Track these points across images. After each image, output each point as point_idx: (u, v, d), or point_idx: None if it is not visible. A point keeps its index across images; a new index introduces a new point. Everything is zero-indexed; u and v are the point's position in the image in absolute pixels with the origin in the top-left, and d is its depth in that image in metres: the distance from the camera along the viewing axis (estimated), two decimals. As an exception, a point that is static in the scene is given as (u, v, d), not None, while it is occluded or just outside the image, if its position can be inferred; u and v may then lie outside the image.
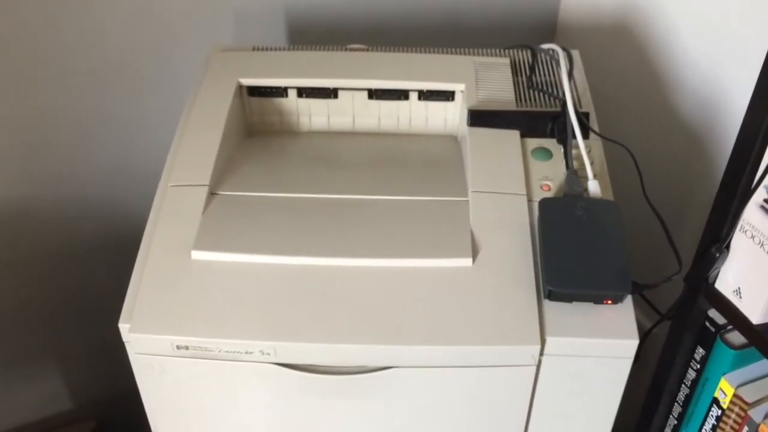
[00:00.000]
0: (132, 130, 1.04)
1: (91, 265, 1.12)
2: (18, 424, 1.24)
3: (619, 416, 0.85)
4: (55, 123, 0.99)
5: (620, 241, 0.65)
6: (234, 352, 0.63)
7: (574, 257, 0.64)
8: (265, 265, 0.67)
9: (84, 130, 1.01)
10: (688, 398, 0.78)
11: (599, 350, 0.64)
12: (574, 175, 0.72)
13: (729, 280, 0.66)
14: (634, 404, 0.86)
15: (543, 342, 0.62)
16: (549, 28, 1.20)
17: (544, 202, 0.69)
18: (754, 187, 0.61)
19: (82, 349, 1.21)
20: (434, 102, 0.83)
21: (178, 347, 0.63)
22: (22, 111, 0.97)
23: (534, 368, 0.64)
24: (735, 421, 0.72)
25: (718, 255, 0.65)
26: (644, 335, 0.82)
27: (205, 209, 0.70)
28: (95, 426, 1.25)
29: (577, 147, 0.74)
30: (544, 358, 0.64)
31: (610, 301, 0.64)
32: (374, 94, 0.83)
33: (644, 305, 0.87)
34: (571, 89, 0.78)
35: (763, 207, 0.61)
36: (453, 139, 0.84)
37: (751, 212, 0.62)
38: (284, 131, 0.85)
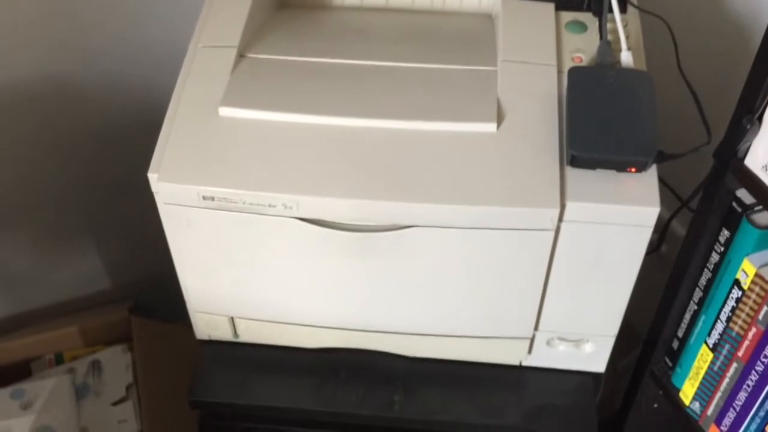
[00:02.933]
0: (165, 8, 1.04)
1: (128, 143, 1.14)
2: (58, 300, 1.29)
3: (638, 319, 0.85)
4: (90, 1, 0.99)
5: (650, 110, 0.64)
6: (257, 204, 0.65)
7: (600, 124, 0.64)
8: (291, 123, 0.67)
9: (119, 8, 1.01)
10: (710, 282, 0.77)
11: (619, 217, 0.63)
12: (607, 45, 0.70)
13: (759, 155, 0.65)
14: (653, 308, 0.86)
15: (563, 207, 0.63)
16: None
17: (573, 70, 0.68)
18: (792, 53, 0.59)
19: (120, 230, 1.25)
20: (470, -23, 0.81)
21: (204, 198, 0.65)
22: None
23: (552, 233, 0.64)
24: (755, 302, 0.71)
25: (749, 126, 0.63)
26: (665, 225, 0.82)
27: (233, 69, 0.71)
28: (132, 305, 1.30)
29: (614, 20, 0.72)
30: (563, 225, 0.64)
31: (634, 169, 0.63)
32: (409, -34, 0.81)
33: (667, 197, 0.86)
34: (611, -40, 0.76)
35: (800, 76, 0.59)
36: (488, 17, 0.82)
37: (787, 81, 0.60)
38: (316, 5, 0.84)
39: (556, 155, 0.65)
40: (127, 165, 1.16)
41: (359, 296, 0.72)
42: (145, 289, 1.32)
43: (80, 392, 1.08)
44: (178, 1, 1.04)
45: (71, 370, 1.11)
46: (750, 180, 0.66)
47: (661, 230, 0.85)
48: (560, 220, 0.64)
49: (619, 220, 0.64)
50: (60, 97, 1.06)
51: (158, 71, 1.08)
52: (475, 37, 0.78)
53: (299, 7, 0.84)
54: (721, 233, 0.74)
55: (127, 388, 1.08)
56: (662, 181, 0.73)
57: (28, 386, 1.05)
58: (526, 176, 0.64)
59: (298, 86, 0.70)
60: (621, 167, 0.63)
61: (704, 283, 0.78)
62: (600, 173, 0.64)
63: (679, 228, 0.89)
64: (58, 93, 1.06)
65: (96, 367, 1.13)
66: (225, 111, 0.68)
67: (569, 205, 0.63)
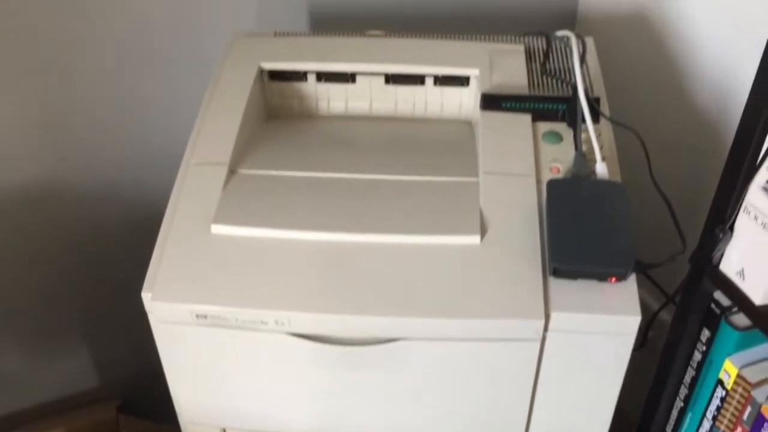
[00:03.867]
0: (155, 113, 1.07)
1: (118, 244, 1.16)
2: (45, 400, 1.28)
3: (629, 402, 0.86)
4: (79, 106, 1.03)
5: (626, 220, 0.67)
6: (250, 321, 0.66)
7: (580, 235, 0.66)
8: (281, 239, 0.69)
9: (109, 113, 1.05)
10: (694, 380, 0.79)
11: (602, 326, 0.65)
12: (583, 157, 0.73)
13: (733, 261, 0.67)
14: (643, 391, 0.88)
15: (547, 317, 0.64)
16: (569, 17, 1.21)
17: (551, 183, 0.70)
18: (756, 168, 0.62)
19: (108, 328, 1.25)
20: (449, 87, 0.85)
21: (197, 316, 0.66)
22: (47, 95, 1.00)
23: (538, 343, 0.66)
24: (738, 402, 0.73)
25: (721, 236, 0.66)
26: (651, 317, 0.84)
27: (224, 186, 0.73)
28: (120, 404, 1.29)
29: (587, 131, 0.76)
30: (549, 334, 0.66)
31: (614, 279, 0.65)
32: (391, 79, 0.85)
33: (653, 289, 0.88)
34: (583, 74, 0.80)
35: (765, 189, 0.62)
36: (467, 124, 0.86)
37: (753, 194, 0.63)
38: (303, 115, 0.88)
39: (539, 265, 0.67)
40: (115, 265, 1.18)
41: (349, 406, 0.73)
42: (133, 388, 1.31)
43: (67, 499, 1.06)
44: (172, 109, 1.08)
45: (57, 475, 1.09)
46: (725, 284, 0.69)
47: (648, 321, 0.86)
48: (545, 329, 0.65)
49: (602, 329, 0.65)
50: (49, 200, 1.08)
51: (149, 175, 1.11)
52: (456, 146, 0.81)
53: (286, 117, 0.88)
54: (702, 333, 0.76)
55: (115, 492, 1.07)
56: (647, 275, 0.75)
57: (13, 494, 1.03)
58: (510, 288, 0.66)
59: (288, 202, 0.72)
60: (602, 277, 0.65)
61: (689, 381, 0.80)
62: (582, 283, 0.66)
63: (667, 317, 0.91)
64: (48, 197, 1.08)
65: (83, 469, 1.11)
66: (217, 228, 0.70)
67: (554, 315, 0.64)
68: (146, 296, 0.67)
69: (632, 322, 0.65)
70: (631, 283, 0.66)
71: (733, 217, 0.66)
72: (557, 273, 0.65)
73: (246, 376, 0.72)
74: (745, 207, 0.65)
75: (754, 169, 0.63)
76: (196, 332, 0.68)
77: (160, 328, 0.69)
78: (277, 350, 0.69)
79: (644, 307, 0.66)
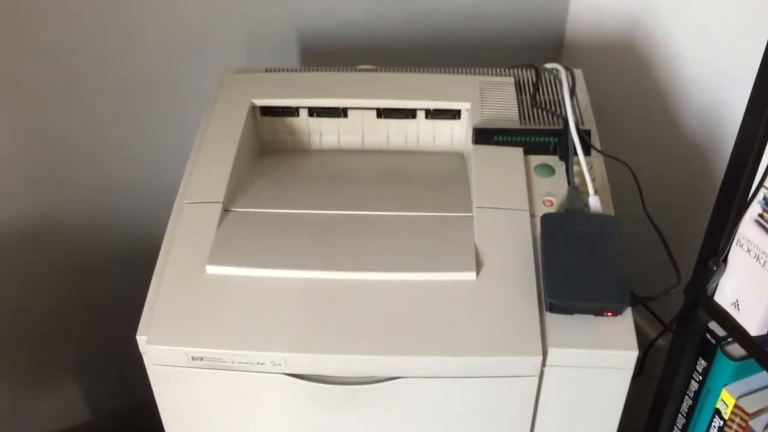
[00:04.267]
0: (149, 149, 1.07)
1: (110, 278, 1.15)
2: (37, 435, 1.26)
3: (627, 429, 0.87)
4: (74, 142, 1.03)
5: (619, 254, 0.67)
6: (246, 363, 0.66)
7: (575, 270, 0.66)
8: (277, 278, 0.69)
9: (103, 149, 1.05)
10: (692, 409, 0.79)
11: (600, 361, 0.65)
12: (576, 190, 0.74)
13: (727, 292, 0.68)
14: (641, 418, 0.88)
15: (545, 353, 0.64)
16: (556, 48, 1.22)
17: (545, 217, 0.71)
18: (748, 202, 0.63)
19: (100, 361, 1.24)
20: (441, 120, 0.86)
21: (193, 358, 0.66)
22: (44, 131, 1.00)
23: (536, 379, 0.66)
24: (736, 432, 0.73)
25: (715, 268, 0.67)
26: (648, 345, 0.84)
27: (219, 225, 0.73)
28: (112, 439, 1.28)
29: (579, 164, 0.77)
30: (546, 369, 0.66)
31: (609, 313, 0.65)
32: (383, 113, 0.85)
33: (650, 316, 0.89)
34: (573, 107, 0.81)
35: (757, 221, 0.63)
36: (459, 156, 0.86)
37: (746, 227, 0.64)
38: (296, 150, 0.88)
39: (535, 300, 0.67)
40: (108, 300, 1.17)
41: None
42: (126, 422, 1.30)
43: None
44: (166, 145, 1.08)
45: None
46: (720, 315, 0.69)
47: (645, 349, 0.86)
48: (543, 365, 0.65)
49: (599, 364, 0.66)
50: (43, 236, 1.08)
51: (144, 211, 1.11)
52: (449, 180, 0.81)
53: (279, 152, 0.88)
54: (699, 363, 0.76)
55: None
56: (644, 305, 0.75)
57: None
58: (507, 324, 0.66)
59: (282, 241, 0.72)
60: (598, 312, 0.66)
61: (686, 411, 0.80)
62: (578, 318, 0.66)
63: (664, 342, 0.91)
64: (42, 233, 1.07)
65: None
66: (212, 269, 0.70)
67: (551, 351, 0.64)
68: (141, 339, 0.66)
69: (629, 356, 0.65)
70: (627, 317, 0.66)
71: (727, 249, 0.67)
72: (553, 308, 0.65)
73: (243, 417, 0.72)
74: (738, 240, 0.65)
75: (746, 203, 0.63)
76: (192, 374, 0.67)
77: (155, 370, 0.68)
78: (275, 391, 0.68)
79: (641, 335, 0.66)
